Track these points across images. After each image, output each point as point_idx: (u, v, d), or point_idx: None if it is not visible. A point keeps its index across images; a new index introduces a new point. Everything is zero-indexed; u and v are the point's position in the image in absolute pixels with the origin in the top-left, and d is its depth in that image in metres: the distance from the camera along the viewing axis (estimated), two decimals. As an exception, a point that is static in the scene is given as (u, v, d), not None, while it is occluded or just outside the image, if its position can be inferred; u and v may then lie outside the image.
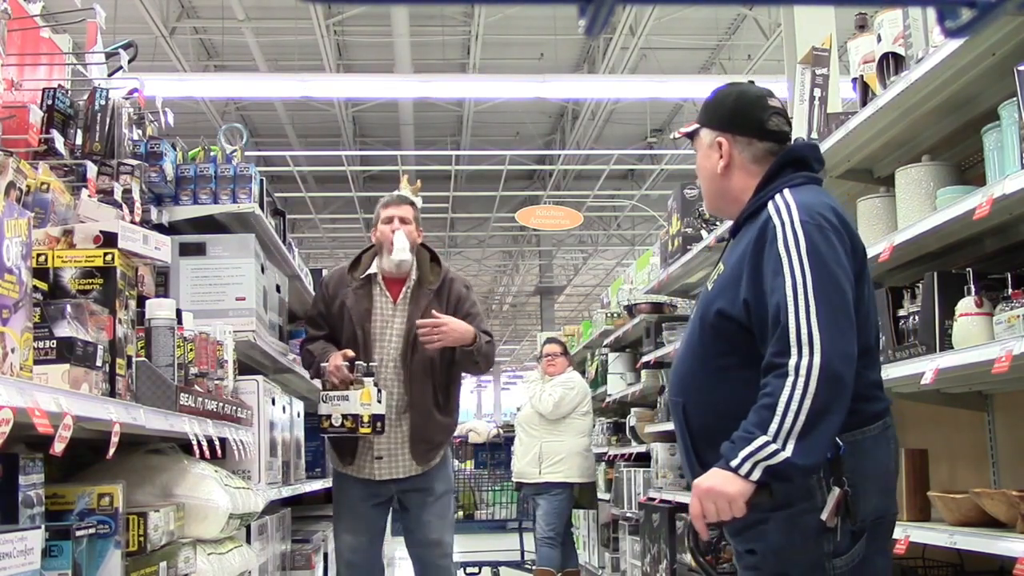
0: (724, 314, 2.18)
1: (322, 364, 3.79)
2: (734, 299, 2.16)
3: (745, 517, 2.08)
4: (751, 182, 2.28)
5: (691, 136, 2.46)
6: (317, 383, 4.16)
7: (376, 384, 3.76)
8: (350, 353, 3.77)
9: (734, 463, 2.00)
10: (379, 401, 3.74)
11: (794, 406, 1.97)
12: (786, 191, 2.18)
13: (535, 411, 6.77)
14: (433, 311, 3.80)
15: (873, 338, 2.21)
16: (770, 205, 2.16)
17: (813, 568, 2.07)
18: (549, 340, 7.34)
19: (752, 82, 2.50)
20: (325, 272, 6.20)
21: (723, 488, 2.01)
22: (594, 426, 7.44)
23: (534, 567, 6.84)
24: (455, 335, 3.79)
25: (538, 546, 6.69)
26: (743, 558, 2.24)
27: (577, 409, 6.76)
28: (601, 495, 7.62)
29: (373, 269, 3.94)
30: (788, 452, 1.96)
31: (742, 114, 2.32)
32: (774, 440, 1.97)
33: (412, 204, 4.03)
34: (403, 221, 3.92)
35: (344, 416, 3.73)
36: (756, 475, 1.98)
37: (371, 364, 3.79)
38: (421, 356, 3.85)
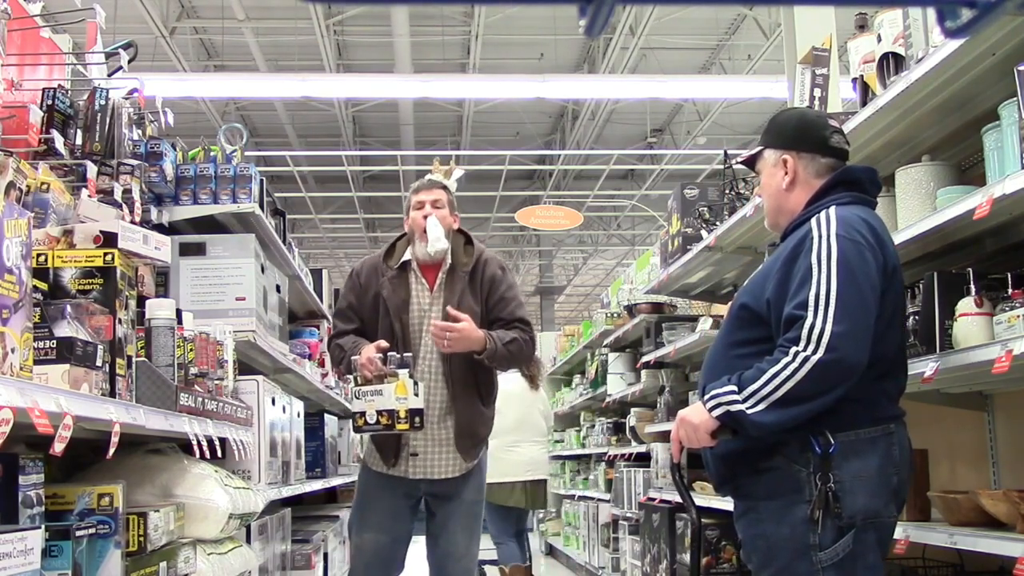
0: (747, 307, 2.38)
1: (353, 358, 3.51)
2: (759, 297, 2.34)
3: (742, 504, 2.38)
4: (810, 196, 2.43)
5: (752, 162, 2.61)
6: (349, 381, 3.80)
7: (412, 376, 3.46)
8: (384, 344, 3.49)
9: (705, 398, 2.29)
10: (416, 394, 3.43)
11: (776, 381, 2.17)
12: (831, 208, 2.32)
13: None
14: (450, 309, 3.52)
15: (895, 349, 2.33)
16: (813, 220, 2.31)
17: (799, 557, 2.22)
18: None
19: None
20: (326, 272, 6.23)
21: (692, 418, 2.31)
22: (550, 423, 7.60)
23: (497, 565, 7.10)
24: (466, 342, 3.48)
25: (496, 547, 7.01)
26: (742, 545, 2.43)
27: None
28: (601, 495, 7.63)
29: (407, 256, 3.68)
30: (749, 410, 2.19)
31: (805, 132, 2.49)
32: (744, 398, 2.20)
33: (444, 187, 3.74)
34: (435, 205, 3.64)
35: (379, 412, 3.43)
36: (716, 413, 2.25)
37: (406, 355, 3.49)
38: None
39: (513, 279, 3.83)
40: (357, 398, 3.49)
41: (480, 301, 3.64)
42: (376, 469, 3.71)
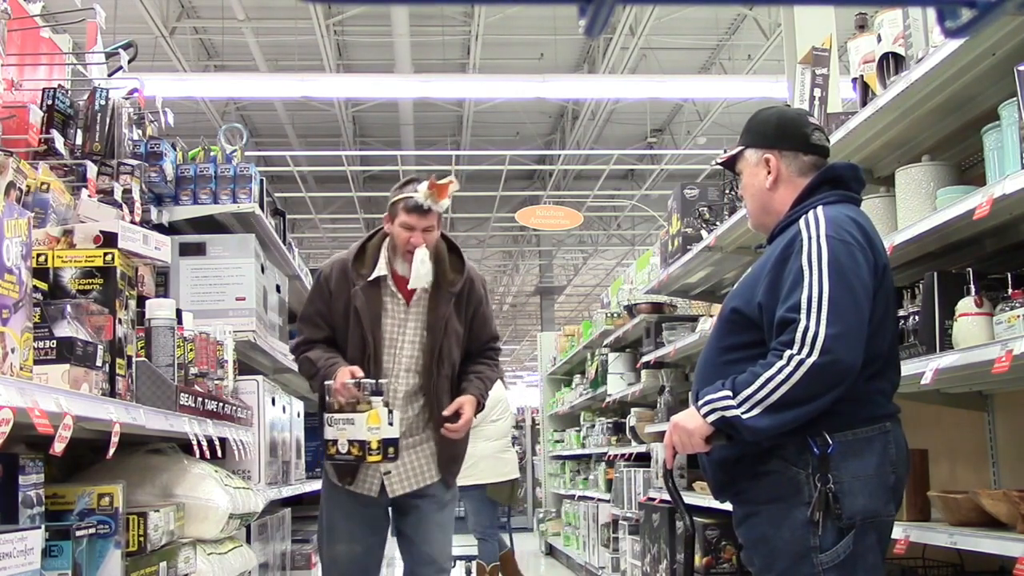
0: (738, 311, 2.35)
1: (327, 383, 3.30)
2: (750, 300, 2.32)
3: (741, 508, 2.35)
4: (795, 195, 2.41)
5: (732, 163, 2.58)
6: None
7: (387, 404, 3.27)
8: (359, 372, 3.27)
9: (699, 404, 2.26)
10: (390, 423, 3.24)
11: (771, 385, 2.15)
12: (819, 208, 2.30)
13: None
14: (448, 412, 3.40)
15: (886, 348, 2.32)
16: (802, 220, 2.29)
17: (800, 560, 2.21)
18: None
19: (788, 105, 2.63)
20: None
21: (685, 423, 2.29)
22: (515, 425, 8.00)
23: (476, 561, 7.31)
24: (472, 420, 3.45)
25: (478, 543, 7.22)
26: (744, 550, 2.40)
27: (488, 416, 7.07)
28: (601, 495, 7.68)
29: (383, 271, 3.43)
30: (744, 415, 2.17)
31: (786, 130, 2.47)
32: (739, 403, 2.18)
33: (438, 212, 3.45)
34: (426, 231, 3.38)
35: (350, 442, 3.23)
36: (711, 419, 2.23)
37: (380, 381, 3.30)
38: (444, 366, 3.44)
39: (488, 292, 3.72)
40: (329, 425, 3.29)
41: (464, 321, 3.50)
42: (338, 484, 3.52)
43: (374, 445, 3.22)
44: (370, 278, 3.42)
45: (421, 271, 3.37)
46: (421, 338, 3.44)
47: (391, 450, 3.25)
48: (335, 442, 3.27)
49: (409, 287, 3.39)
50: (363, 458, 3.24)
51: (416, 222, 3.37)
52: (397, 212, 3.41)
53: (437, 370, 3.43)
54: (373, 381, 3.29)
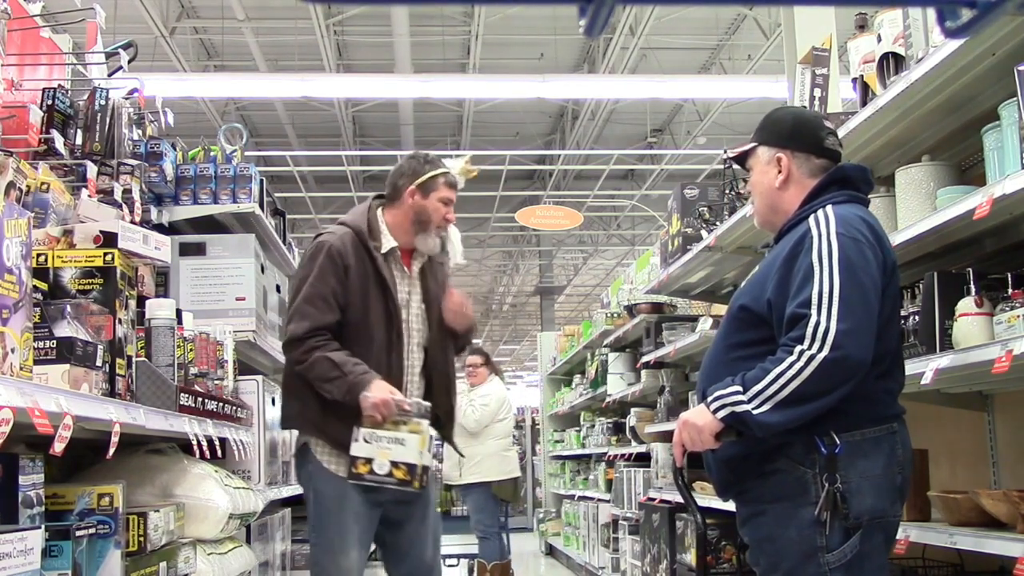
0: (746, 308, 2.35)
1: (365, 394, 3.01)
2: (758, 297, 2.32)
3: (746, 508, 2.35)
4: (803, 195, 2.42)
5: (743, 158, 2.59)
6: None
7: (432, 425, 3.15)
8: (398, 393, 3.07)
9: (709, 399, 2.25)
10: (429, 450, 3.08)
11: (782, 380, 2.15)
12: (828, 207, 2.32)
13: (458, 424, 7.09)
14: (453, 291, 3.41)
15: (893, 347, 2.33)
16: (811, 218, 2.31)
17: (807, 560, 2.21)
18: (472, 351, 7.63)
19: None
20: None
21: (695, 420, 2.28)
22: (515, 425, 8.27)
23: (477, 560, 7.31)
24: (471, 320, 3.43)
25: (479, 542, 7.25)
26: (749, 551, 2.40)
27: (496, 415, 7.28)
28: (601, 495, 7.73)
29: (392, 243, 3.33)
30: (755, 410, 2.16)
31: (801, 131, 2.48)
32: (749, 398, 2.18)
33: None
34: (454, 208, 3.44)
35: (395, 464, 3.01)
36: (721, 414, 2.22)
37: (424, 403, 3.14)
38: (442, 337, 3.41)
39: None
40: (366, 441, 3.01)
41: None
42: (345, 477, 3.20)
43: (420, 470, 3.04)
44: (384, 250, 3.32)
45: (460, 247, 3.46)
46: (421, 310, 3.39)
47: (425, 478, 3.10)
48: (368, 461, 3.02)
49: (453, 263, 3.46)
50: (409, 483, 3.04)
51: (454, 197, 3.43)
52: (436, 186, 3.36)
53: (441, 340, 3.40)
54: (419, 402, 3.14)
